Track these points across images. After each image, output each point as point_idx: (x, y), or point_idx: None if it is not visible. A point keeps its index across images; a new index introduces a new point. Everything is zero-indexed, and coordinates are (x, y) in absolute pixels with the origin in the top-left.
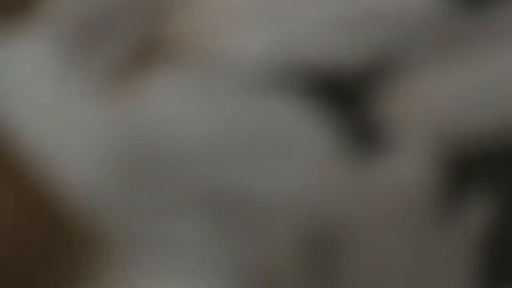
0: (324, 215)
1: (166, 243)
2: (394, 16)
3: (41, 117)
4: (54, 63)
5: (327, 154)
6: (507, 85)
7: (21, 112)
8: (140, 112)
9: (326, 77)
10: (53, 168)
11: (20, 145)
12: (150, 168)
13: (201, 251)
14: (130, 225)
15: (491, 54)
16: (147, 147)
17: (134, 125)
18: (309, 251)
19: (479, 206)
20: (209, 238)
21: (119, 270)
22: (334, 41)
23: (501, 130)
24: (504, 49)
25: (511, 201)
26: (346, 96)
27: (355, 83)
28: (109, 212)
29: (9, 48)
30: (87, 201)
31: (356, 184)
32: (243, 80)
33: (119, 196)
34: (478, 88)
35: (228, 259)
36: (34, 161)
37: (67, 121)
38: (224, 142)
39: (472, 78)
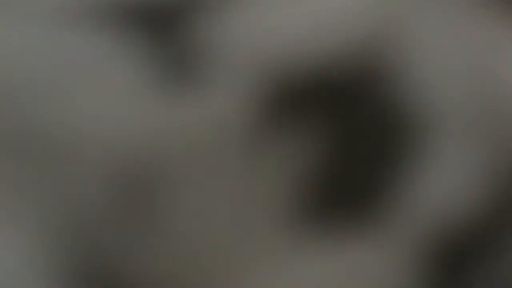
0: (135, 154)
1: None
2: None
3: None
4: None
5: (139, 90)
6: (327, 21)
7: None
8: None
9: (140, 8)
10: None
11: None
12: None
13: (7, 201)
14: None
15: None
16: None
17: None
18: (122, 196)
19: (296, 142)
20: (14, 183)
21: None
22: None
23: (319, 66)
24: None
25: (329, 137)
26: (160, 29)
27: (169, 15)
28: None
29: None
30: None
31: (169, 121)
32: (50, 13)
33: None
34: (301, 22)
35: (36, 210)
36: None
37: None
38: (31, 77)
39: (294, 12)
